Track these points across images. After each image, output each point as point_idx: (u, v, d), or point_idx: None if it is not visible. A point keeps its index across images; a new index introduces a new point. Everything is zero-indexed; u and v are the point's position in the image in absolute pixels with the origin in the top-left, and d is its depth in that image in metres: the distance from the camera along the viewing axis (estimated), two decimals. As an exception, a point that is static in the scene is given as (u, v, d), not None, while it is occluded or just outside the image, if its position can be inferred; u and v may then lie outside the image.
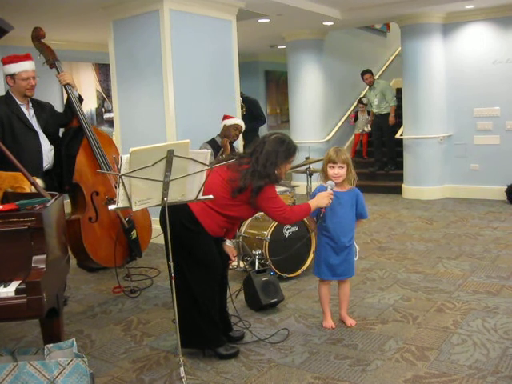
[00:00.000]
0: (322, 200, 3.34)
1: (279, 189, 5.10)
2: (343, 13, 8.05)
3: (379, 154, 9.49)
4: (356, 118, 10.03)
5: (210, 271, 3.17)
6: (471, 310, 3.81)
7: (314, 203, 3.35)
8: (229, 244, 3.42)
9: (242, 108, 7.02)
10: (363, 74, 9.28)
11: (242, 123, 5.62)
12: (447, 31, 8.30)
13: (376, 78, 10.10)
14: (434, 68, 8.29)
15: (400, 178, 8.88)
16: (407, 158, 8.66)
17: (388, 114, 9.11)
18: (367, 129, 9.87)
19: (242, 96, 7.08)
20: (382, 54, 11.76)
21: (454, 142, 8.40)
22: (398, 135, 8.91)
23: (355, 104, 10.23)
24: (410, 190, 8.64)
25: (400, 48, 9.25)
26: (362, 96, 10.19)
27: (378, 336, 3.47)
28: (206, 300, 3.16)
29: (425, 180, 8.46)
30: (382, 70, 11.59)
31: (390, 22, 11.10)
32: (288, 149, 3.22)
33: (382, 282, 4.57)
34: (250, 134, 6.68)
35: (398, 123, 9.03)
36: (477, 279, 4.51)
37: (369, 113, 9.88)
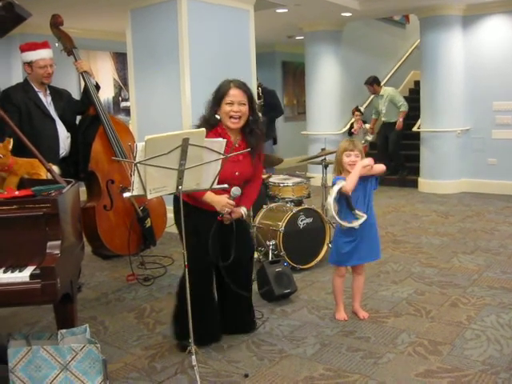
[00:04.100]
0: (216, 204, 3.06)
1: (294, 179, 5.09)
2: (362, 4, 7.96)
3: (386, 161, 9.25)
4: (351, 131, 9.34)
5: (195, 265, 3.00)
6: (485, 306, 3.78)
7: (210, 198, 3.06)
8: (242, 211, 3.20)
9: (259, 99, 6.99)
10: (371, 83, 8.89)
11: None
12: (467, 23, 8.18)
13: (393, 71, 9.92)
14: (453, 61, 8.18)
15: (416, 171, 8.81)
16: (424, 152, 8.57)
17: (395, 123, 8.85)
18: (370, 138, 9.40)
19: (259, 87, 7.06)
20: (401, 46, 11.63)
21: (472, 135, 8.29)
22: (415, 128, 8.81)
23: (352, 117, 9.59)
24: (426, 183, 8.57)
25: (419, 40, 9.14)
26: (360, 106, 9.82)
27: (390, 329, 3.45)
28: (194, 295, 2.92)
29: (441, 174, 8.37)
30: (401, 62, 11.48)
31: (409, 14, 10.97)
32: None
33: (395, 275, 4.55)
34: (266, 125, 6.66)
35: (408, 125, 8.85)
36: (492, 274, 4.47)
37: (364, 122, 9.46)
